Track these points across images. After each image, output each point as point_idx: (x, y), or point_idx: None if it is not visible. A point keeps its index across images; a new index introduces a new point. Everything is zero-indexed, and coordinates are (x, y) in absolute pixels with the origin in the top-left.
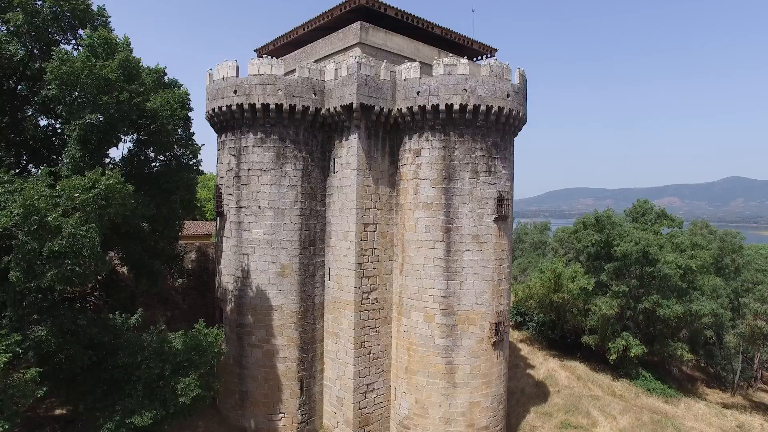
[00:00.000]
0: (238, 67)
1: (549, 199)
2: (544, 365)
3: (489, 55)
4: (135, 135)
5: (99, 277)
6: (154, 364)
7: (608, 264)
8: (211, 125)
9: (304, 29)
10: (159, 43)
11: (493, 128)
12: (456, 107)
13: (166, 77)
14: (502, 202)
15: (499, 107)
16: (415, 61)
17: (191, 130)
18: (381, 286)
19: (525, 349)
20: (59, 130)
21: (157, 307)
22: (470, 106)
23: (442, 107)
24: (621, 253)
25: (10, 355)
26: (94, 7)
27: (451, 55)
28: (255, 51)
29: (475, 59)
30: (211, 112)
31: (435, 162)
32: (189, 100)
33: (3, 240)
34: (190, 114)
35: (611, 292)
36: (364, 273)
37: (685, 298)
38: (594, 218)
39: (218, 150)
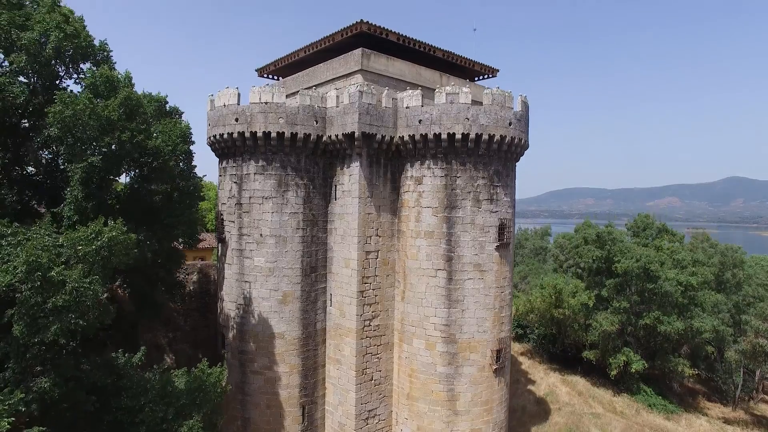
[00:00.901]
0: (239, 95)
1: (549, 199)
2: (545, 380)
3: (490, 76)
4: (137, 171)
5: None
6: (157, 407)
7: (609, 280)
8: (213, 150)
9: (305, 51)
10: (160, 59)
11: (495, 156)
12: (458, 136)
13: (167, 105)
14: (503, 230)
15: (501, 136)
16: (417, 87)
17: (193, 163)
18: (383, 312)
19: (526, 363)
20: (62, 166)
21: (158, 329)
22: (472, 135)
23: (444, 136)
24: (622, 270)
25: (13, 419)
26: (96, 42)
27: (452, 77)
28: (256, 71)
29: (477, 79)
30: (212, 138)
31: (437, 190)
32: (190, 133)
33: (6, 294)
34: (192, 141)
35: (612, 308)
36: (365, 300)
37: (686, 314)
38: (595, 234)
39: (220, 176)
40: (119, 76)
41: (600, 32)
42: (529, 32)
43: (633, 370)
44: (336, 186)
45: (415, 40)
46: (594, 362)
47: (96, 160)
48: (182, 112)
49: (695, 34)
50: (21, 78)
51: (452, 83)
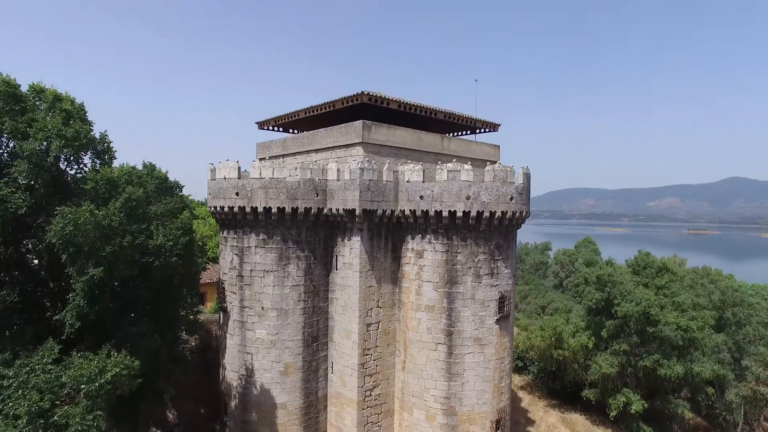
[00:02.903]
0: (239, 168)
1: (549, 200)
2: (545, 420)
3: (491, 130)
4: (138, 272)
5: None
6: None
7: (609, 321)
8: (214, 219)
9: (306, 113)
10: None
11: (496, 231)
12: (459, 214)
13: (167, 181)
14: (503, 302)
15: (502, 212)
16: (418, 153)
17: (194, 250)
18: (384, 381)
19: (525, 399)
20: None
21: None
22: (473, 213)
23: (445, 213)
24: (622, 314)
25: None
26: (96, 134)
27: (453, 140)
28: (257, 123)
29: (478, 131)
30: (213, 209)
31: (437, 266)
32: (191, 223)
33: None
34: (193, 231)
35: (612, 350)
36: (366, 371)
37: (687, 358)
38: (595, 276)
39: (221, 245)
40: (119, 163)
41: (600, 32)
42: (529, 32)
43: (633, 411)
44: (337, 256)
45: (416, 105)
46: (593, 402)
47: (97, 272)
48: (182, 186)
49: (696, 34)
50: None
51: (453, 146)
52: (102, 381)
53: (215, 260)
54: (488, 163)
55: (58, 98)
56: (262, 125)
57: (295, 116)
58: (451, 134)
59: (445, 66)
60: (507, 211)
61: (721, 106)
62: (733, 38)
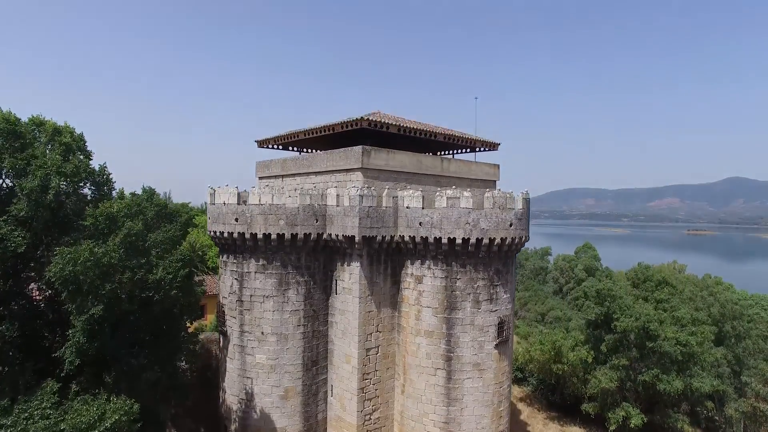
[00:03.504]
0: (238, 194)
1: (550, 200)
2: None
3: (491, 149)
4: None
5: None
6: None
7: (608, 335)
8: (213, 242)
9: (305, 135)
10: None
11: (495, 257)
12: (458, 241)
13: (167, 206)
14: (503, 326)
15: (501, 238)
16: (418, 176)
17: (194, 281)
18: (383, 405)
19: (525, 411)
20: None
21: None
22: (473, 240)
23: (444, 240)
24: (621, 329)
25: None
26: (96, 166)
27: (453, 161)
28: (256, 142)
29: (478, 150)
30: (213, 233)
31: (437, 291)
32: (191, 254)
33: None
34: (194, 263)
35: (611, 364)
36: (366, 396)
37: (686, 373)
38: (595, 291)
39: (220, 268)
40: (118, 196)
41: (600, 31)
42: (529, 32)
43: (632, 425)
44: (336, 280)
45: (415, 128)
46: (593, 415)
47: (98, 311)
48: (182, 214)
49: (696, 34)
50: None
51: (453, 168)
52: (102, 429)
53: (215, 270)
54: (488, 182)
55: (57, 131)
56: (261, 144)
57: (294, 137)
58: (452, 152)
59: (445, 67)
60: (506, 238)
61: (722, 106)
62: (733, 38)
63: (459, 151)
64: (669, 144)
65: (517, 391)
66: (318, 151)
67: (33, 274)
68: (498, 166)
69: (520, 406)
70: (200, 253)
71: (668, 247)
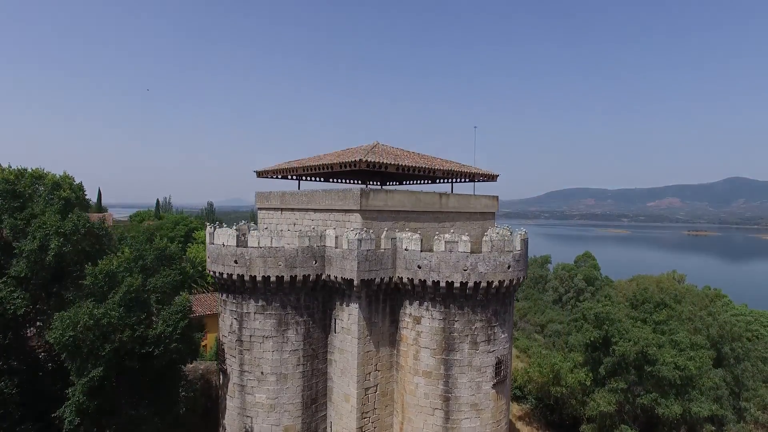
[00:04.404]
0: (237, 237)
1: (550, 200)
2: None
3: (490, 180)
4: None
5: None
6: None
7: (607, 358)
8: (214, 281)
9: (304, 171)
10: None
11: (493, 298)
12: (456, 285)
13: (168, 249)
14: (500, 366)
15: (500, 281)
16: (416, 220)
17: (193, 332)
18: None
19: (524, 430)
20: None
21: None
22: (471, 284)
23: (442, 284)
24: (620, 354)
25: None
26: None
27: (452, 197)
28: (255, 172)
29: (477, 181)
30: (212, 273)
31: (435, 333)
32: (190, 304)
33: None
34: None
35: (609, 387)
36: None
37: (685, 397)
38: (593, 314)
39: (220, 306)
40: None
41: (600, 30)
42: (529, 30)
43: None
44: (335, 319)
45: (414, 166)
46: None
47: (97, 373)
48: (181, 255)
49: (696, 33)
50: (22, 272)
51: (452, 203)
52: None
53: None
54: (487, 215)
55: (57, 185)
56: (260, 174)
57: (294, 171)
58: (452, 182)
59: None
60: (504, 280)
61: (722, 106)
62: (733, 38)
63: (458, 180)
64: (669, 144)
65: (516, 408)
66: (317, 179)
67: (33, 329)
68: (497, 197)
69: (519, 425)
70: (200, 268)
71: (668, 248)
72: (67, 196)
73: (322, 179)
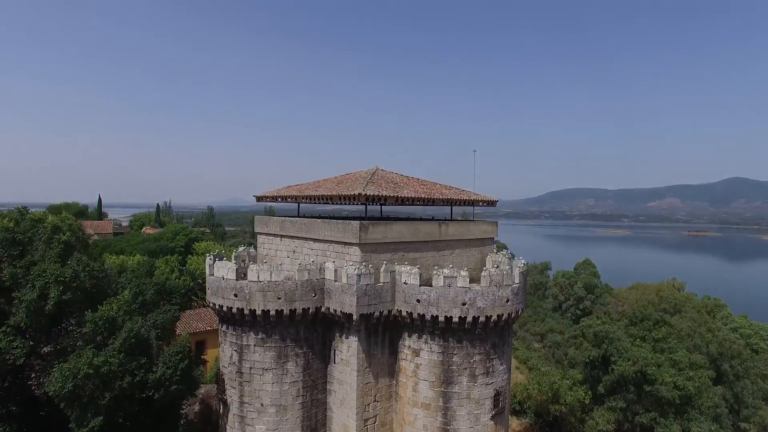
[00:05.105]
0: (236, 270)
1: (550, 200)
2: None
3: (490, 205)
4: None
5: None
6: None
7: (606, 376)
8: (213, 311)
9: (303, 199)
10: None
11: (492, 332)
12: (455, 319)
13: (166, 283)
14: (499, 397)
15: (498, 315)
16: (416, 251)
17: (193, 371)
18: None
19: None
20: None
21: None
22: (469, 319)
23: (441, 318)
24: (619, 373)
25: None
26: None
27: (451, 224)
28: (255, 197)
29: (476, 206)
30: (212, 305)
31: (433, 366)
32: (189, 344)
33: None
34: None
35: (608, 405)
36: None
37: (684, 416)
38: (592, 333)
39: (220, 337)
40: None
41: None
42: (529, 30)
43: None
44: (335, 350)
45: (413, 197)
46: None
47: (97, 422)
48: (180, 290)
49: (697, 33)
50: (22, 322)
51: (451, 231)
52: None
53: None
54: (486, 240)
55: (56, 228)
56: (260, 199)
57: (293, 199)
58: (452, 206)
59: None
60: (503, 314)
61: (722, 106)
62: (733, 37)
63: (457, 205)
64: (669, 144)
65: (516, 423)
66: (317, 202)
67: (33, 374)
68: (496, 223)
69: None
70: (200, 281)
71: (669, 248)
72: (67, 239)
73: (320, 202)
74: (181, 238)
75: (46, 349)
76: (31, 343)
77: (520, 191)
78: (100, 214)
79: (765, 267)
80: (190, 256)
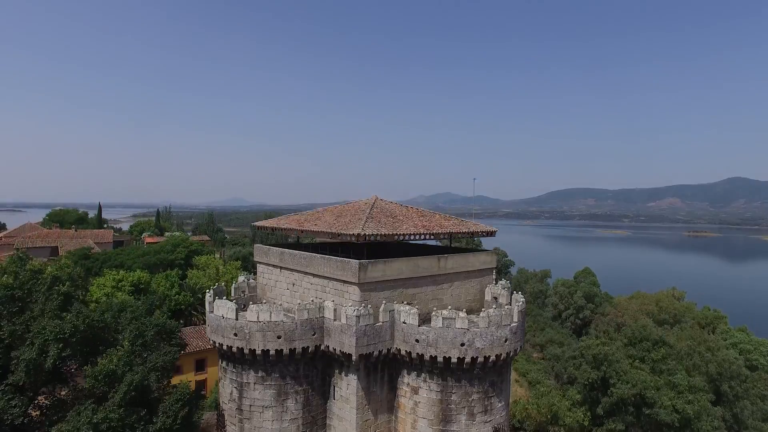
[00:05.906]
0: (236, 309)
1: (550, 200)
2: None
3: (489, 235)
4: None
5: None
6: None
7: (605, 398)
8: (213, 347)
9: (302, 233)
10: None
11: (490, 371)
12: (454, 360)
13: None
14: None
15: (497, 355)
16: (415, 286)
17: (192, 417)
18: None
19: None
20: None
21: None
22: (468, 359)
23: (440, 359)
24: (618, 397)
25: None
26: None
27: (450, 258)
28: (253, 225)
29: (476, 237)
30: (212, 342)
31: (432, 404)
32: (189, 390)
33: None
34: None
35: (607, 428)
36: None
37: None
38: (591, 355)
39: (220, 372)
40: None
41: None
42: (529, 29)
43: None
44: (334, 387)
45: (413, 233)
46: None
47: None
48: (179, 333)
49: (696, 33)
50: (20, 380)
51: (450, 264)
52: None
53: None
54: (486, 271)
55: (56, 279)
56: (258, 228)
57: (291, 231)
58: (451, 237)
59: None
60: (501, 354)
61: (722, 106)
62: (733, 37)
63: (457, 237)
64: (670, 144)
65: None
66: (315, 238)
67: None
68: (495, 253)
69: None
70: (200, 296)
71: (669, 249)
72: (66, 290)
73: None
74: (182, 251)
75: (45, 402)
76: (30, 394)
77: (519, 191)
78: (100, 221)
79: (765, 268)
80: (190, 270)
